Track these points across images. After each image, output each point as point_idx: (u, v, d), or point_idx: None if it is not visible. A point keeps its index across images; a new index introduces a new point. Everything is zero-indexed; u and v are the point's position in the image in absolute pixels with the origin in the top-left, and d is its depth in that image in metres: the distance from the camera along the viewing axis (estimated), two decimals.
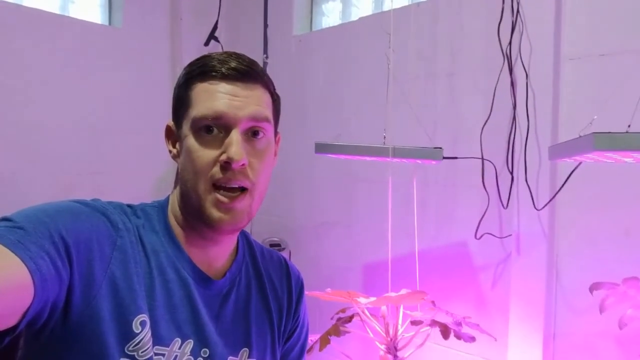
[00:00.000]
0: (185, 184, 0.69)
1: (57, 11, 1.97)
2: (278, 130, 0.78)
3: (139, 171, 2.08)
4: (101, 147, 2.01)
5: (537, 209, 1.33)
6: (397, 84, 1.65)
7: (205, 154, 0.66)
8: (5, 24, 1.76)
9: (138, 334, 0.63)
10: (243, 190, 0.68)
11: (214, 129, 0.67)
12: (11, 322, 0.52)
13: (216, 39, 2.16)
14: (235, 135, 0.66)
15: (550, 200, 1.32)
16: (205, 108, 0.66)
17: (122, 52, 2.07)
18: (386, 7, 1.86)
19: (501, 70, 1.43)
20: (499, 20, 1.43)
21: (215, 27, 2.17)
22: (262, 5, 2.14)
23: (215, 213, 0.67)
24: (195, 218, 0.69)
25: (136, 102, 2.10)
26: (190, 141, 0.68)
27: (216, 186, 0.67)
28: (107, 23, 2.13)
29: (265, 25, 2.13)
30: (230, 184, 0.66)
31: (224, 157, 0.66)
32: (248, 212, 0.69)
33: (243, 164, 0.66)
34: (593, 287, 1.10)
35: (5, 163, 1.75)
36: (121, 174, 2.03)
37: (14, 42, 1.78)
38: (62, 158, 1.90)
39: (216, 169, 0.66)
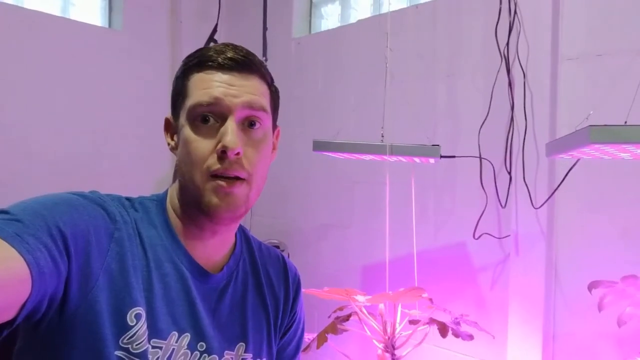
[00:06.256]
0: (183, 175, 0.69)
1: (57, 13, 1.99)
2: (277, 125, 0.79)
3: (138, 174, 2.09)
4: (101, 149, 2.01)
5: (535, 208, 1.33)
6: (396, 85, 1.66)
7: (202, 145, 0.66)
8: (6, 26, 1.76)
9: (132, 326, 0.63)
10: (240, 179, 0.68)
11: (209, 118, 0.67)
12: (9, 315, 0.52)
13: (215, 42, 2.17)
14: (231, 124, 0.66)
15: (548, 199, 1.32)
16: (201, 95, 0.67)
17: (122, 55, 2.07)
18: (384, 9, 1.87)
19: (499, 71, 1.44)
20: (496, 21, 1.44)
21: (214, 30, 2.18)
22: (261, 8, 2.15)
23: (213, 199, 0.66)
24: (194, 208, 0.69)
25: (136, 105, 2.10)
26: (187, 131, 0.68)
27: (213, 176, 0.67)
28: (107, 25, 2.14)
29: (265, 28, 2.14)
30: (226, 173, 0.66)
31: (219, 146, 0.65)
32: (245, 201, 0.69)
33: (238, 153, 0.66)
34: (591, 286, 1.10)
35: (5, 164, 1.76)
36: (121, 176, 2.04)
37: (15, 43, 1.79)
38: (62, 160, 1.90)
39: (213, 160, 0.66)
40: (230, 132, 0.65)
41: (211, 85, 0.67)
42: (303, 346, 0.94)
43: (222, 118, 0.67)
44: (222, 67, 0.68)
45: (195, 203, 0.68)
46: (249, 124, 0.69)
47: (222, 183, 0.66)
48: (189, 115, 0.68)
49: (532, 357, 1.35)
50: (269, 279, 0.83)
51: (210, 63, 0.68)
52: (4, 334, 0.54)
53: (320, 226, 1.98)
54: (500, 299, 1.45)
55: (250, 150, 0.68)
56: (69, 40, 1.93)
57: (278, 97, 0.77)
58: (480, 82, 1.51)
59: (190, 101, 0.68)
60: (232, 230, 0.77)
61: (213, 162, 0.66)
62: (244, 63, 0.69)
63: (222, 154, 0.66)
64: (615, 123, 0.79)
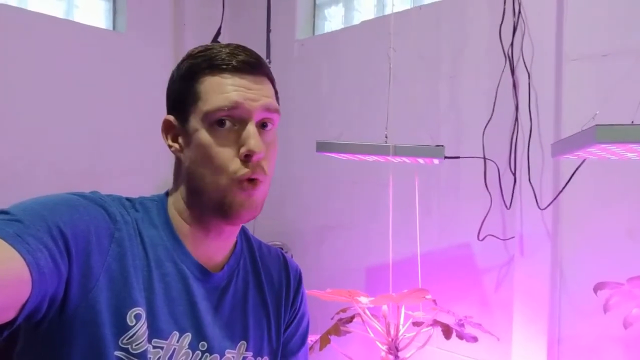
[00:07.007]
0: (202, 179, 0.68)
1: (61, 15, 2.00)
2: None
3: (140, 175, 2.08)
4: (103, 151, 2.02)
5: (540, 209, 1.32)
6: (400, 86, 1.65)
7: (223, 150, 0.67)
8: (10, 28, 1.77)
9: (132, 326, 0.63)
10: (259, 181, 0.69)
11: (226, 122, 0.67)
12: (9, 315, 0.52)
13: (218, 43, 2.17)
14: (252, 128, 0.67)
15: (554, 200, 1.31)
16: (220, 100, 0.66)
17: (126, 57, 2.08)
18: (388, 10, 1.87)
19: (503, 71, 1.43)
20: (500, 21, 1.44)
21: (218, 32, 2.18)
22: (265, 10, 2.16)
23: (237, 201, 0.67)
24: (212, 209, 0.69)
25: (138, 106, 2.11)
26: (203, 135, 0.67)
27: (237, 180, 0.67)
28: (111, 28, 2.14)
29: (268, 30, 2.15)
30: (251, 177, 0.67)
31: (244, 150, 0.66)
32: (263, 201, 0.71)
33: (261, 156, 0.67)
34: (597, 287, 1.09)
35: (6, 165, 1.76)
36: (123, 177, 2.04)
37: (18, 45, 1.79)
38: (65, 161, 1.91)
39: (237, 165, 0.67)
40: (254, 135, 0.66)
41: (229, 90, 0.67)
42: None
43: (241, 122, 0.67)
44: (237, 71, 0.67)
45: (216, 205, 0.68)
46: (261, 125, 0.70)
47: (249, 185, 0.67)
48: (205, 119, 0.67)
49: None
50: (270, 276, 0.83)
51: (224, 66, 0.67)
52: (5, 335, 0.54)
53: (323, 227, 1.97)
54: (504, 301, 1.44)
55: (266, 151, 0.69)
56: (73, 42, 1.93)
57: (279, 98, 0.77)
58: (485, 83, 1.51)
59: (207, 105, 0.67)
60: (237, 230, 0.77)
61: (239, 167, 0.67)
62: (257, 66, 0.69)
63: (246, 158, 0.66)
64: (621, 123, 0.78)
